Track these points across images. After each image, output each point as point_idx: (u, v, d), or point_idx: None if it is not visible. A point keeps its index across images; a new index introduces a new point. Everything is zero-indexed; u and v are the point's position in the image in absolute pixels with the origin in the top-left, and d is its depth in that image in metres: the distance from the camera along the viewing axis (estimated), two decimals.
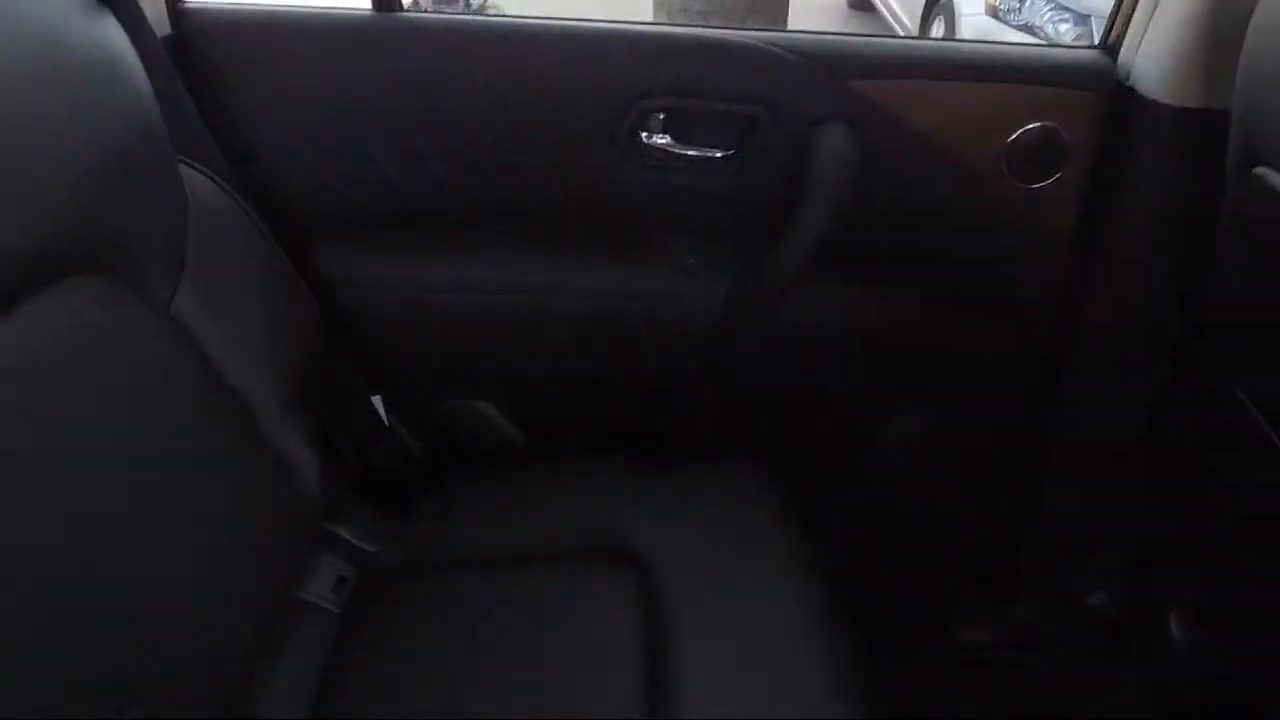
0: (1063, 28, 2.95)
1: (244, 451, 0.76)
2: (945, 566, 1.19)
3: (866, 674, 0.83)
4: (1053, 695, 1.17)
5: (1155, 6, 0.85)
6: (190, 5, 0.88)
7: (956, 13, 3.40)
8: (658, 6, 2.93)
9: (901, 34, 3.97)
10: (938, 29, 3.59)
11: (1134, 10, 0.88)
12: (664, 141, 0.93)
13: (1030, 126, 0.90)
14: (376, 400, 1.04)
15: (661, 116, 0.92)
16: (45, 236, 0.59)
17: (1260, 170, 0.71)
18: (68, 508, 0.57)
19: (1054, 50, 1.05)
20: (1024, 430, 1.10)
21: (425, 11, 0.95)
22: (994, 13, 3.26)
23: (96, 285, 0.64)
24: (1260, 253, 0.75)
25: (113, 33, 0.70)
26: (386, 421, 1.04)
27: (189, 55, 0.86)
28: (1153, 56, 0.85)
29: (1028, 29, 3.14)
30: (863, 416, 1.11)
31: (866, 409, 1.10)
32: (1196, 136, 0.82)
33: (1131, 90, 0.88)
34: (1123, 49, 0.89)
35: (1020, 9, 3.19)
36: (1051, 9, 3.08)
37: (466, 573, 0.90)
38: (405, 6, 0.91)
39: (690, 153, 0.93)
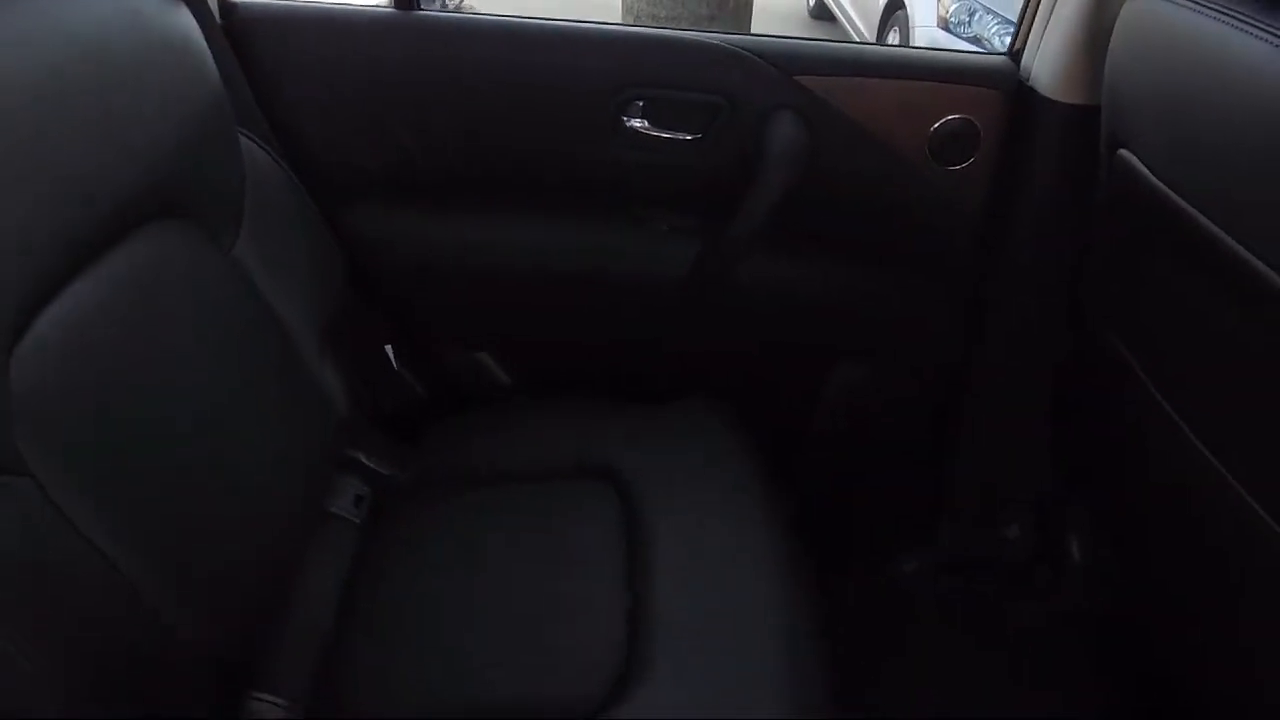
0: (1007, 40, 3.17)
1: (288, 375, 0.91)
2: (883, 500, 1.37)
3: (810, 579, 0.99)
4: (975, 614, 1.35)
5: (1048, 20, 1.03)
6: (238, 1, 1.03)
7: (911, 24, 3.61)
8: (625, 10, 3.11)
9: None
10: (893, 38, 3.81)
11: (1033, 23, 1.06)
12: (641, 125, 1.09)
13: (949, 118, 1.08)
14: (388, 350, 1.19)
15: (639, 104, 1.08)
16: (138, 186, 0.74)
17: (1123, 152, 0.88)
18: (162, 410, 0.71)
19: (970, 55, 1.23)
20: (948, 382, 1.28)
21: (438, 10, 1.10)
22: (945, 25, 3.48)
23: (176, 228, 0.78)
24: (1123, 219, 0.93)
25: (186, 19, 0.85)
26: (396, 366, 1.19)
27: (237, 42, 1.01)
28: (1046, 61, 1.03)
29: (976, 40, 3.36)
30: (810, 367, 1.28)
31: (813, 360, 1.27)
32: (1081, 127, 1.00)
33: (1031, 89, 1.06)
34: (1024, 55, 1.08)
35: (969, 22, 3.41)
36: (998, 24, 3.30)
37: (468, 491, 1.05)
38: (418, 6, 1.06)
39: (664, 135, 1.09)
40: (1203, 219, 0.75)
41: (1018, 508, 1.34)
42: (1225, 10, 0.71)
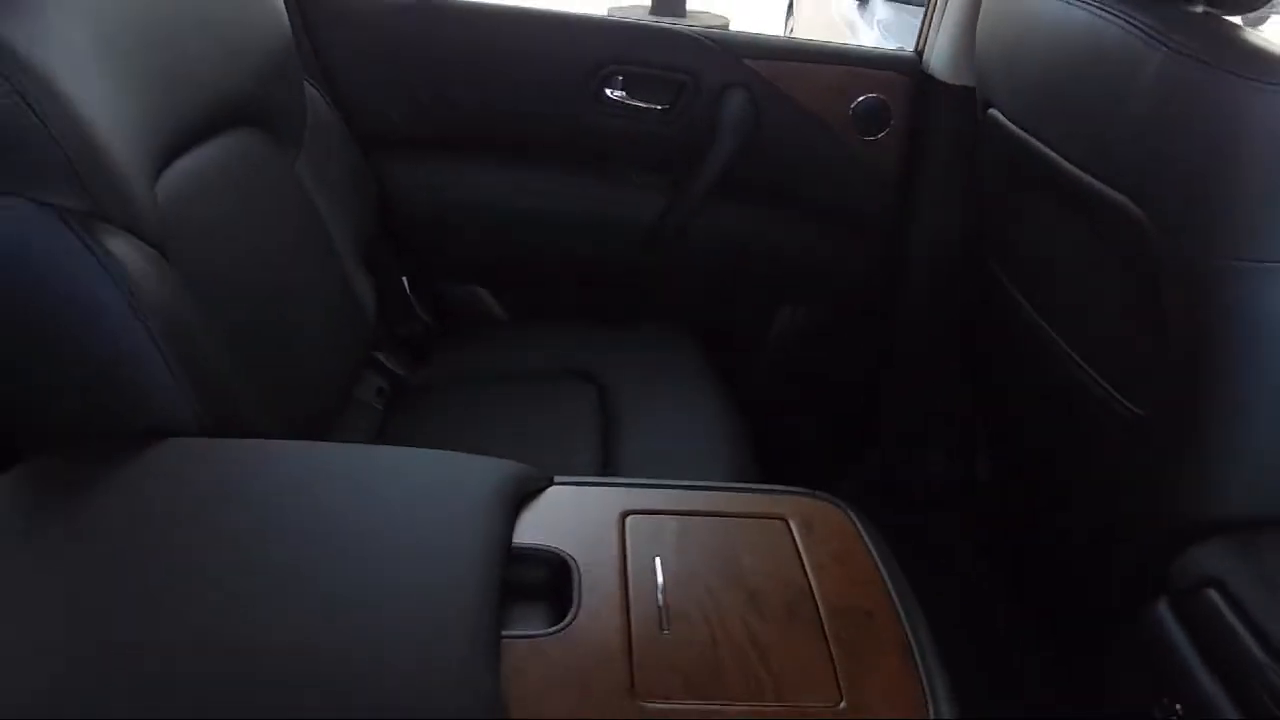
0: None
1: (332, 274, 1.13)
2: (820, 428, 1.60)
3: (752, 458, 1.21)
4: (899, 528, 1.57)
5: (941, 22, 1.31)
6: None
7: None
8: None
9: None
10: None
11: (930, 24, 1.34)
12: (620, 96, 1.35)
13: (866, 96, 1.35)
14: (404, 280, 1.41)
15: (620, 79, 1.34)
16: (234, 93, 0.96)
17: (991, 111, 1.15)
18: (240, 263, 0.92)
19: (882, 49, 1.51)
20: (876, 324, 1.53)
21: None
22: None
23: (257, 133, 1.01)
24: (996, 167, 1.20)
25: None
26: (409, 293, 1.41)
27: (305, 11, 1.25)
28: (940, 51, 1.31)
29: None
30: (758, 309, 1.52)
31: (760, 303, 1.52)
32: (966, 103, 1.27)
33: (929, 75, 1.33)
34: (925, 48, 1.36)
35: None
36: None
37: (470, 386, 1.27)
38: None
39: (639, 104, 1.35)
40: (1049, 152, 1.01)
41: (939, 435, 1.58)
42: None
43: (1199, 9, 0.84)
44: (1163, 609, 0.89)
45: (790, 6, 6.12)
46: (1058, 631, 1.24)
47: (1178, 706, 0.85)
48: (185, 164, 0.86)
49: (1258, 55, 0.76)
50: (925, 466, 1.60)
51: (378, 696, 0.51)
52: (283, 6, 1.08)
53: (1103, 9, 0.86)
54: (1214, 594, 0.83)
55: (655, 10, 4.08)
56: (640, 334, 1.37)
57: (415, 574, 0.60)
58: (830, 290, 1.51)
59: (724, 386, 1.31)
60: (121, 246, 0.68)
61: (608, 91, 1.34)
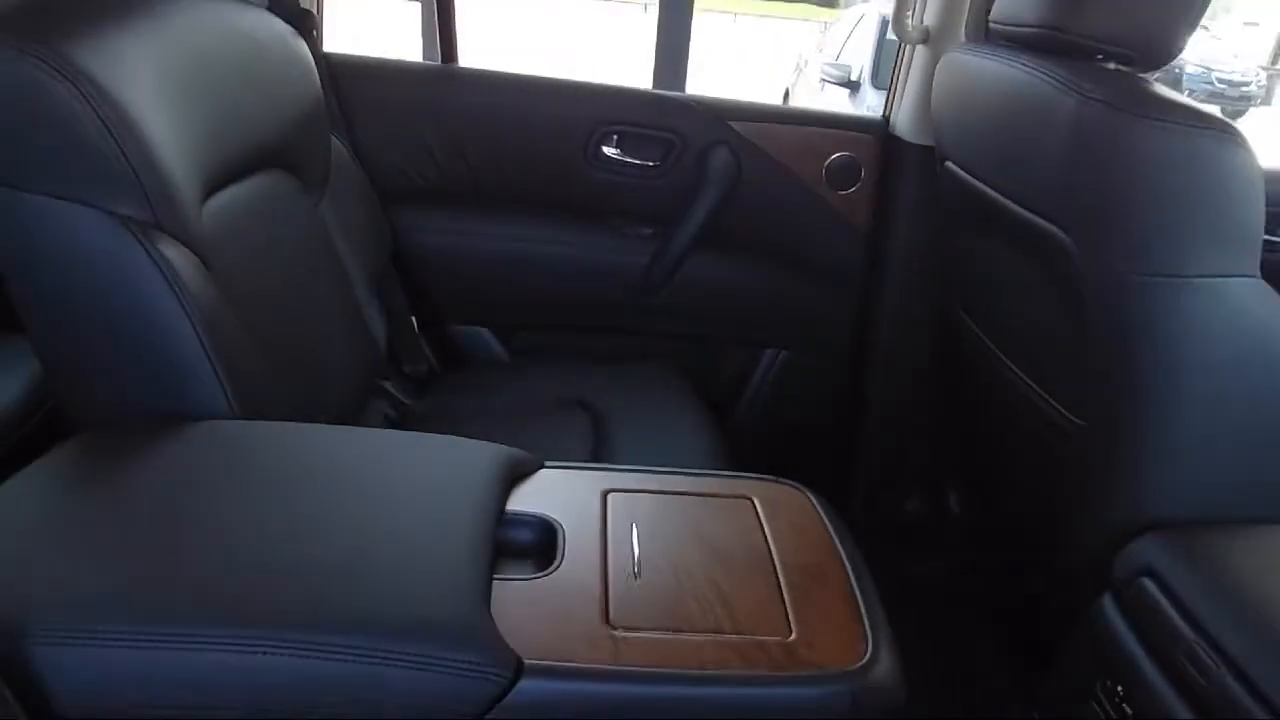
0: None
1: (348, 308, 1.24)
2: (801, 468, 1.68)
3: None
4: (881, 568, 1.64)
5: (904, 90, 1.46)
6: (329, 51, 1.42)
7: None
8: None
9: None
10: None
11: (895, 91, 1.49)
12: (615, 153, 1.48)
13: (839, 154, 1.48)
14: (413, 320, 1.52)
15: (614, 137, 1.48)
16: (269, 140, 1.09)
17: (947, 164, 1.28)
18: (265, 294, 1.03)
19: (853, 114, 1.65)
20: (852, 369, 1.63)
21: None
22: None
23: (286, 177, 1.13)
24: (952, 213, 1.32)
25: (303, 47, 1.23)
26: (418, 333, 1.52)
27: (334, 72, 1.39)
28: (904, 115, 1.45)
29: None
30: (741, 352, 1.63)
31: (744, 344, 1.62)
32: (928, 161, 1.40)
33: (896, 136, 1.47)
34: (891, 113, 1.50)
35: None
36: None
37: (471, 413, 1.37)
38: None
39: (632, 161, 1.48)
40: (993, 193, 1.13)
41: (914, 471, 1.67)
42: (990, 54, 1.11)
43: (1110, 66, 0.97)
44: (1107, 602, 0.96)
45: (785, 96, 6.53)
46: (1018, 633, 1.31)
47: (1119, 688, 0.92)
48: (225, 196, 0.97)
49: (1153, 98, 0.88)
50: (902, 503, 1.68)
51: (393, 605, 0.59)
52: (314, 68, 1.22)
53: (1028, 67, 0.99)
54: (1149, 583, 0.91)
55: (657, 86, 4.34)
56: (634, 371, 1.47)
57: (421, 524, 0.69)
58: (810, 334, 1.61)
59: (711, 417, 1.40)
60: (174, 253, 0.79)
61: (604, 149, 1.48)
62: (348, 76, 1.40)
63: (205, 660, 0.56)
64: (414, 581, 0.63)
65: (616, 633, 0.64)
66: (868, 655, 0.65)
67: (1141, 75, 0.95)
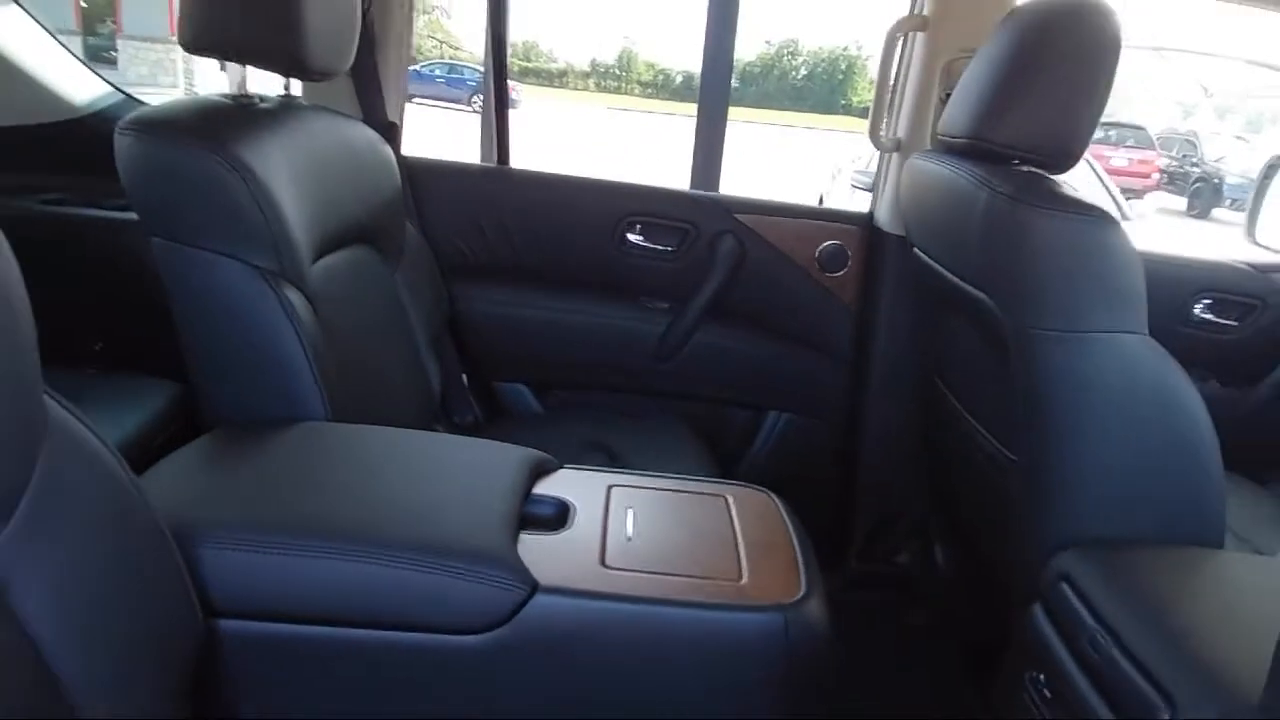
0: None
1: (413, 356, 1.50)
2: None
3: None
4: (875, 622, 1.80)
5: (885, 190, 1.72)
6: (407, 155, 1.73)
7: None
8: None
9: None
10: None
11: (878, 190, 1.75)
12: (638, 239, 1.75)
13: (830, 242, 1.74)
14: (463, 378, 1.78)
15: (638, 226, 1.75)
16: (360, 221, 1.37)
17: (915, 250, 1.52)
18: (355, 355, 1.29)
19: (842, 209, 1.91)
20: (846, 432, 1.84)
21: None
22: None
23: (371, 251, 1.41)
24: (924, 293, 1.55)
25: (390, 153, 1.53)
26: (466, 387, 1.77)
27: (410, 171, 1.69)
28: (885, 210, 1.71)
29: None
30: (745, 415, 1.85)
31: (749, 406, 1.85)
32: (906, 248, 1.65)
33: (878, 228, 1.72)
34: (875, 208, 1.76)
35: None
36: None
37: None
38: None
39: (652, 246, 1.75)
40: (945, 271, 1.36)
41: (903, 530, 1.85)
42: (936, 159, 1.37)
43: (1024, 169, 1.22)
44: (1036, 608, 1.14)
45: (820, 200, 6.84)
46: (974, 647, 1.47)
47: (1041, 676, 1.09)
48: (326, 261, 1.25)
49: (1048, 193, 1.12)
50: (893, 556, 1.86)
51: (449, 537, 0.83)
52: (396, 167, 1.52)
53: (958, 169, 1.24)
54: (1066, 588, 1.09)
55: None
56: (650, 425, 1.70)
57: (469, 492, 0.92)
58: (807, 399, 1.84)
59: (718, 471, 1.61)
60: (293, 296, 1.06)
61: (629, 236, 1.75)
62: (420, 174, 1.70)
63: (321, 566, 0.79)
64: (463, 525, 0.86)
65: (610, 571, 0.86)
66: (799, 596, 0.86)
67: (1047, 175, 1.20)
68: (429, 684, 0.82)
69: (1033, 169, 1.22)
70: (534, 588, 0.82)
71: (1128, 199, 9.77)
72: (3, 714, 0.59)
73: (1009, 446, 1.25)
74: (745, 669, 0.83)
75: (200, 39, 1.13)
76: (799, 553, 0.94)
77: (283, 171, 1.11)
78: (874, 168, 1.81)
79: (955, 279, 1.30)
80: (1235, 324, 1.71)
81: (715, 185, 2.91)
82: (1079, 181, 4.75)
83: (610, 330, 1.80)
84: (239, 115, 1.13)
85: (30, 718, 0.58)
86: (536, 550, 0.87)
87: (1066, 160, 1.19)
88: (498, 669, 0.81)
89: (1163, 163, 14.66)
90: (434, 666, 0.81)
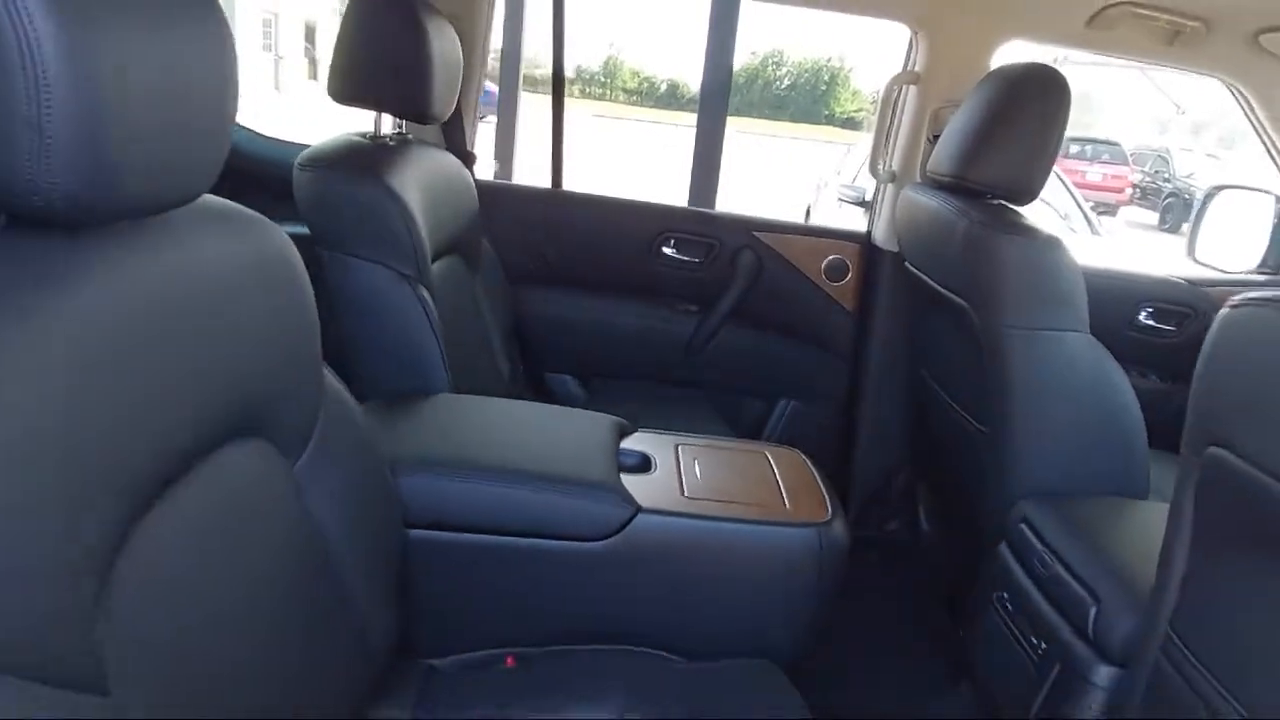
0: None
1: (490, 349, 1.80)
2: None
3: None
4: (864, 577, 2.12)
5: (879, 213, 2.05)
6: (481, 179, 2.03)
7: None
8: None
9: None
10: None
11: (875, 212, 2.08)
12: (671, 252, 2.07)
13: (833, 256, 2.06)
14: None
15: (671, 241, 2.07)
16: (457, 234, 1.67)
17: (907, 264, 1.84)
18: (454, 345, 1.60)
19: (845, 228, 2.24)
20: (846, 416, 2.16)
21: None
22: None
23: (462, 260, 1.71)
24: (913, 300, 1.88)
25: (469, 177, 1.83)
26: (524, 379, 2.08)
27: (483, 197, 1.98)
28: (880, 229, 2.04)
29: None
30: (762, 399, 2.17)
31: (764, 395, 2.17)
32: (899, 261, 1.97)
33: (875, 245, 2.05)
34: (871, 228, 2.08)
35: None
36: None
37: None
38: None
39: (683, 258, 2.07)
40: (932, 282, 1.68)
41: (894, 499, 2.17)
42: (925, 192, 1.69)
43: (995, 203, 1.54)
44: (1003, 545, 1.46)
45: (806, 213, 7.22)
46: (956, 586, 1.80)
47: (1005, 594, 1.41)
48: (435, 267, 1.55)
49: (1012, 223, 1.45)
50: (885, 524, 2.18)
51: (577, 469, 1.14)
52: (475, 190, 1.83)
53: (944, 201, 1.57)
54: (1024, 526, 1.41)
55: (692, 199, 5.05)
56: (680, 412, 2.02)
57: (578, 445, 1.23)
58: (813, 390, 2.16)
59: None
60: (424, 294, 1.37)
61: (663, 249, 2.07)
62: (491, 195, 2.01)
63: (485, 490, 1.10)
64: (584, 464, 1.17)
65: (688, 499, 1.17)
66: (828, 518, 1.17)
67: (1011, 207, 1.52)
68: (561, 578, 1.13)
69: (1001, 202, 1.54)
70: (637, 509, 1.13)
71: (1101, 213, 10.21)
72: (305, 593, 0.86)
73: (979, 420, 1.57)
74: (788, 570, 1.15)
75: (347, 92, 1.44)
76: (824, 491, 1.25)
77: (414, 196, 1.41)
78: (859, 182, 2.14)
79: (940, 288, 1.62)
80: (1173, 329, 2.04)
81: (713, 197, 3.18)
82: (1054, 198, 5.22)
83: (645, 330, 2.11)
84: (380, 152, 1.43)
85: (319, 593, 0.87)
86: (634, 485, 1.18)
87: (1027, 196, 1.52)
88: (611, 567, 1.12)
89: (1136, 178, 15.16)
90: (565, 565, 1.12)
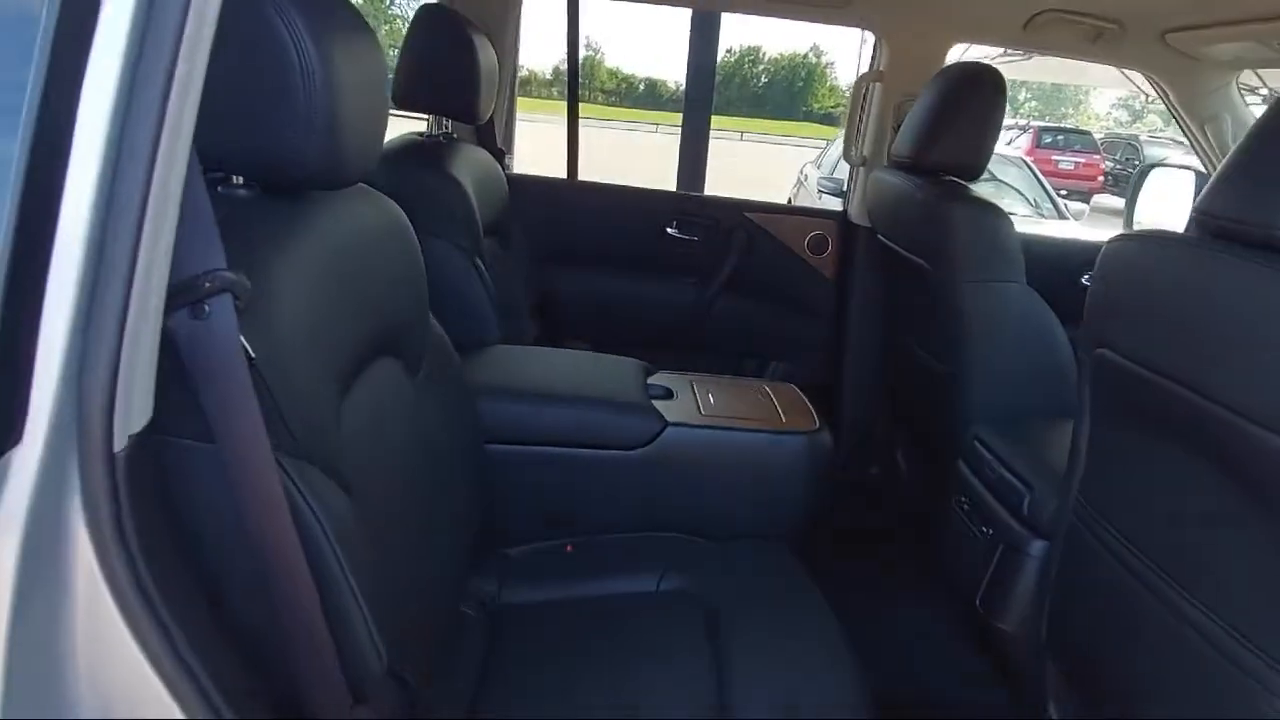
0: None
1: (523, 313, 2.09)
2: None
3: None
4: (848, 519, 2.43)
5: (854, 193, 2.35)
6: (512, 172, 2.32)
7: None
8: None
9: None
10: None
11: (849, 194, 2.38)
12: (675, 232, 2.37)
13: (815, 232, 2.37)
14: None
15: (675, 223, 2.37)
16: (495, 218, 1.96)
17: (879, 235, 2.15)
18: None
19: (825, 208, 2.55)
20: (827, 375, 2.47)
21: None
22: None
23: (495, 241, 2.01)
24: (883, 268, 2.18)
25: (500, 170, 2.13)
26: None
27: (513, 186, 2.28)
28: (855, 208, 2.35)
29: None
30: (755, 361, 2.47)
31: (757, 357, 2.47)
32: (872, 236, 2.27)
33: (851, 221, 2.36)
34: (848, 207, 2.39)
35: None
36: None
37: None
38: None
39: (685, 237, 2.37)
40: (898, 248, 1.99)
41: (875, 448, 2.48)
42: (890, 173, 2.00)
43: (947, 179, 1.85)
44: (961, 462, 1.77)
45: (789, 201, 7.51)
46: (925, 504, 2.11)
47: (964, 499, 1.72)
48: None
49: (962, 195, 1.76)
50: (868, 467, 2.50)
51: (617, 391, 1.44)
52: (505, 181, 2.12)
53: (906, 179, 1.88)
54: (977, 443, 1.72)
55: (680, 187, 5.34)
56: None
57: (614, 380, 1.53)
58: (799, 351, 2.46)
59: None
60: (479, 263, 1.66)
61: (668, 230, 2.37)
62: (519, 185, 2.30)
63: (547, 410, 1.40)
64: (620, 391, 1.47)
65: (706, 415, 1.47)
66: (816, 429, 1.48)
67: (961, 182, 1.84)
68: (607, 480, 1.43)
69: (953, 178, 1.86)
70: (665, 424, 1.43)
71: (1074, 199, 10.59)
72: (429, 475, 1.15)
73: (940, 361, 1.88)
74: (786, 468, 1.45)
75: (408, 98, 1.73)
76: (813, 411, 1.56)
77: (468, 183, 1.70)
78: (837, 175, 2.44)
79: (905, 252, 1.93)
80: None
81: (701, 187, 3.46)
82: (1025, 187, 5.60)
83: (651, 299, 2.41)
84: (439, 148, 1.73)
85: None
86: (661, 407, 1.48)
87: (973, 172, 1.83)
88: (646, 470, 1.42)
89: (1107, 165, 15.61)
90: (609, 469, 1.42)
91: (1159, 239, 1.14)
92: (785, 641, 1.22)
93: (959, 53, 2.27)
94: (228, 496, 0.66)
